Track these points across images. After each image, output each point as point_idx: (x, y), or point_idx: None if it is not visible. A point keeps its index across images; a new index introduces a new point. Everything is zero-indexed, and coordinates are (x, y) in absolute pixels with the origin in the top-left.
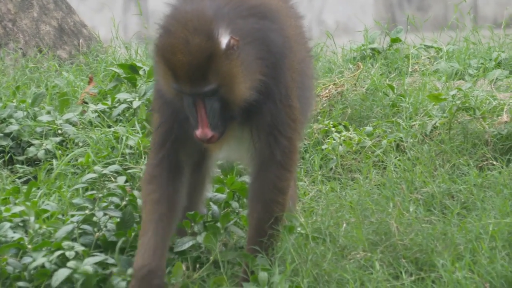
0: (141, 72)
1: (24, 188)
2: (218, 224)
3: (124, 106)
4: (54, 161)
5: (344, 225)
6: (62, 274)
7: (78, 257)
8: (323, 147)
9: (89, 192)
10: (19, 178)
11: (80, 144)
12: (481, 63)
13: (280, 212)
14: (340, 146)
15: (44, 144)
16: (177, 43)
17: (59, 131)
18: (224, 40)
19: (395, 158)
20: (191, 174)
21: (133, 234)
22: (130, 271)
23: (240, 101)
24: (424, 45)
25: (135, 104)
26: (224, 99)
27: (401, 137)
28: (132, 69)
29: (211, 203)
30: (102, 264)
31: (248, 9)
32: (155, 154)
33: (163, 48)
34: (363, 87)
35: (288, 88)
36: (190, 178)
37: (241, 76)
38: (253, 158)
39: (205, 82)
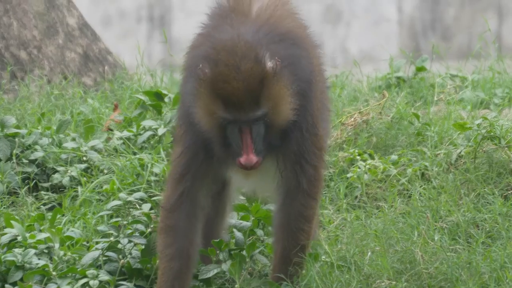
0: (166, 100)
1: (49, 215)
2: (244, 253)
3: (149, 133)
4: (79, 188)
5: (369, 253)
6: None
7: (102, 285)
8: (348, 175)
9: (114, 219)
10: (44, 205)
11: (105, 171)
12: (506, 92)
13: (305, 240)
14: (365, 175)
15: (69, 171)
16: (228, 71)
17: (84, 158)
18: (269, 63)
19: (420, 187)
20: (213, 201)
21: (157, 261)
22: None
23: (284, 124)
24: (450, 74)
25: (160, 131)
26: (269, 123)
27: (426, 166)
28: (157, 96)
29: (234, 230)
30: None
31: (279, 35)
32: (174, 188)
33: (213, 78)
34: (389, 116)
35: (314, 117)
36: (212, 205)
37: (286, 98)
38: (278, 187)
39: (257, 107)
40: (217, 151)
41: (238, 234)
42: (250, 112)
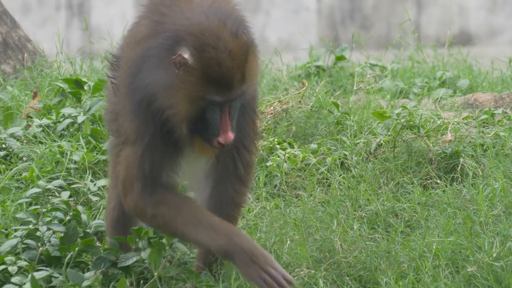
0: (86, 87)
1: None
2: (164, 241)
3: (68, 121)
4: None
5: (288, 242)
6: None
7: (22, 271)
8: (268, 164)
9: (33, 207)
10: None
11: (24, 158)
12: (426, 82)
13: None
14: (285, 163)
15: None
16: (218, 53)
17: (3, 145)
18: (245, 37)
19: (339, 176)
20: None
21: (76, 249)
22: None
23: (253, 97)
24: (369, 63)
25: (80, 119)
26: (243, 97)
27: (346, 155)
28: (77, 84)
29: None
30: (47, 279)
31: (232, 13)
32: (134, 180)
33: (204, 63)
34: (308, 105)
35: (256, 101)
36: None
37: (258, 69)
38: (211, 172)
39: (243, 83)
40: (183, 137)
41: None
42: (238, 89)
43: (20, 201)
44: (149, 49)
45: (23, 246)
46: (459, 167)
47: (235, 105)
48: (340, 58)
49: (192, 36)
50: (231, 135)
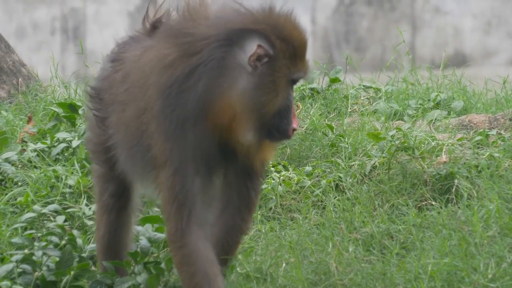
0: (80, 111)
1: None
2: (162, 265)
3: (63, 145)
4: None
5: (284, 265)
6: None
7: None
8: (263, 186)
9: (28, 232)
10: None
11: (19, 183)
12: (420, 104)
13: (235, 253)
14: (280, 186)
15: None
16: (292, 29)
17: None
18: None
19: (334, 198)
20: (117, 213)
21: (72, 273)
22: None
23: None
24: (363, 85)
25: (74, 143)
26: None
27: (340, 177)
28: (71, 108)
29: (142, 237)
30: None
31: None
32: (178, 213)
33: (289, 41)
34: (302, 127)
35: None
36: (116, 218)
37: None
38: (221, 196)
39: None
40: (253, 139)
41: (143, 241)
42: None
43: (15, 225)
44: (191, 67)
45: (19, 271)
46: (453, 189)
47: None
48: (334, 81)
49: (257, 27)
50: (296, 122)
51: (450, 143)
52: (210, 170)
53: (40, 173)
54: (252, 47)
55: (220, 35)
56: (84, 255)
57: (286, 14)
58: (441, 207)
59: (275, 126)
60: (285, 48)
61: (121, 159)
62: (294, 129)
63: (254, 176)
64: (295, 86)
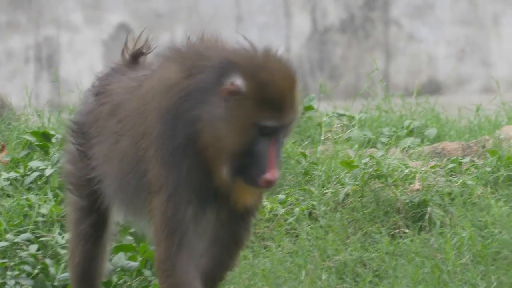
0: (53, 140)
1: None
2: None
3: (36, 174)
4: None
5: None
6: None
7: None
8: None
9: (1, 261)
10: None
11: None
12: (393, 131)
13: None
14: None
15: None
16: (272, 73)
17: None
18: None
19: (307, 226)
20: (94, 243)
21: None
22: None
23: (289, 137)
24: (337, 113)
25: (48, 172)
26: (287, 131)
27: (314, 205)
28: (45, 136)
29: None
30: None
31: None
32: (169, 240)
33: (257, 85)
34: None
35: None
36: (94, 247)
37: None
38: (213, 229)
39: (292, 110)
40: (227, 178)
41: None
42: (290, 115)
43: None
44: (187, 90)
45: None
46: (427, 216)
47: (281, 138)
48: (308, 108)
49: (240, 62)
50: (277, 174)
51: (423, 170)
52: (203, 201)
53: (13, 202)
54: (228, 81)
55: (210, 65)
56: (56, 283)
57: (276, 59)
58: (414, 235)
59: (247, 171)
60: (257, 91)
61: (109, 191)
62: (269, 181)
63: (246, 215)
64: (270, 133)
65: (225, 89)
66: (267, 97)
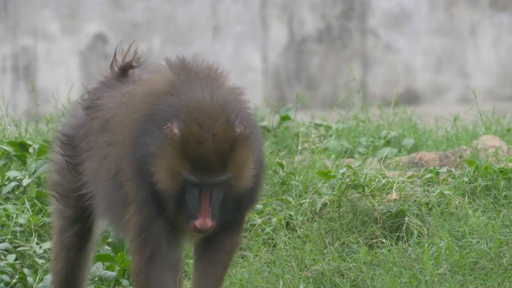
0: (31, 150)
1: None
2: None
3: (14, 184)
4: None
5: None
6: None
7: None
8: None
9: None
10: None
11: None
12: (371, 141)
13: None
14: None
15: None
16: (201, 131)
17: None
18: (239, 128)
19: (285, 236)
20: (78, 251)
21: None
22: None
23: (242, 190)
24: (314, 123)
25: (25, 181)
26: (229, 188)
27: (291, 215)
28: (22, 147)
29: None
30: None
31: (244, 102)
32: (141, 252)
33: (184, 138)
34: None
35: (260, 186)
36: (77, 255)
37: (250, 165)
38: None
39: (224, 171)
40: (170, 210)
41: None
42: (217, 175)
43: None
44: (153, 113)
45: None
46: (404, 226)
47: (217, 193)
48: (285, 118)
49: (186, 109)
50: (208, 222)
51: (400, 180)
52: (172, 216)
53: None
54: (168, 124)
55: (176, 100)
56: None
57: (225, 116)
58: (391, 245)
59: (184, 210)
60: (186, 144)
61: (99, 207)
62: (198, 229)
63: (240, 219)
64: (197, 188)
65: (165, 129)
66: (188, 152)
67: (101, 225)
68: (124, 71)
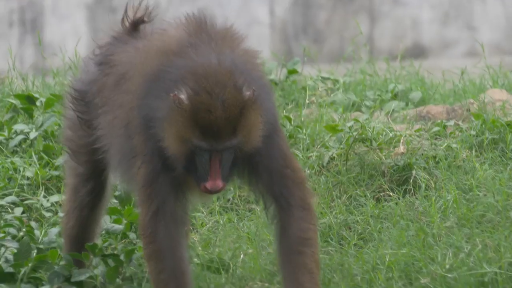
0: (38, 103)
1: None
2: (122, 257)
3: (21, 137)
4: None
5: (242, 256)
6: None
7: None
8: None
9: None
10: None
11: None
12: (378, 95)
13: (316, 268)
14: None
15: None
16: (210, 99)
17: None
18: (247, 92)
19: None
20: (91, 210)
21: (30, 265)
22: None
23: (251, 150)
24: (321, 77)
25: (32, 135)
26: (239, 150)
27: None
28: (29, 100)
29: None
30: None
31: (252, 65)
32: (147, 207)
33: (193, 106)
34: None
35: (283, 148)
36: (89, 214)
37: (258, 127)
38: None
39: (234, 136)
40: (179, 171)
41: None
42: (226, 140)
43: None
44: (162, 73)
45: None
46: (411, 180)
47: (227, 155)
48: (292, 72)
49: (194, 76)
50: (219, 183)
51: (408, 134)
52: (179, 173)
53: None
54: (176, 91)
55: (183, 64)
56: (42, 246)
57: (233, 82)
58: (398, 198)
59: (194, 172)
60: (193, 112)
61: (113, 161)
62: (208, 190)
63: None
64: (208, 152)
65: (173, 96)
66: (199, 120)
67: (113, 180)
68: (135, 26)
